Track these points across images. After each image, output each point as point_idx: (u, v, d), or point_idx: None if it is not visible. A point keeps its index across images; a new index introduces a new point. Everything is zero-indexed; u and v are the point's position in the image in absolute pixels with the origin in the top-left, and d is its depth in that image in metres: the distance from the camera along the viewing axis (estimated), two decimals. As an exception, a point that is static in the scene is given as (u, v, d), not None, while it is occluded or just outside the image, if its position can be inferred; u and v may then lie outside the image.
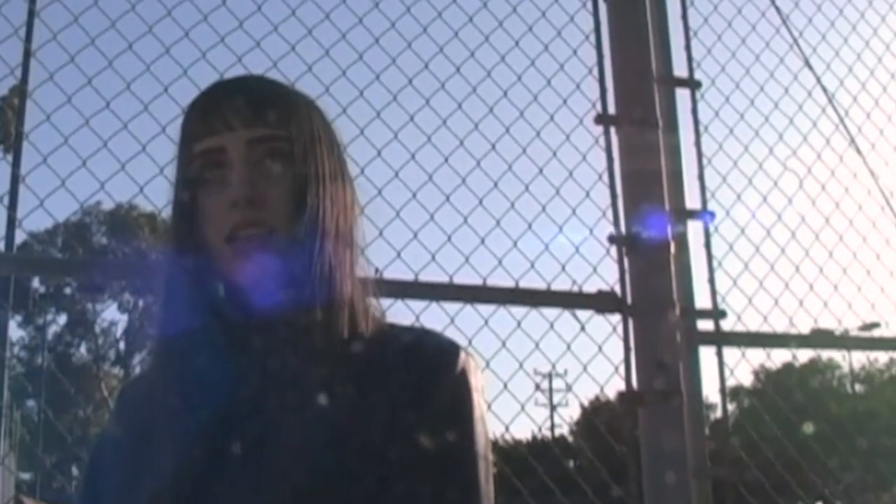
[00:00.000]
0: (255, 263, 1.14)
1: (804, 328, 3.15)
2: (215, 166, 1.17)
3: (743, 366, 3.17)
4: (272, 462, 1.10)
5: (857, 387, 33.95)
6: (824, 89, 3.33)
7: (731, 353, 3.06)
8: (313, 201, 1.17)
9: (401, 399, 1.13)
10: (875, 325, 3.65)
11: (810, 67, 3.33)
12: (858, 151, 3.34)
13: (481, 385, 1.20)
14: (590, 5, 3.00)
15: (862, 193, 3.34)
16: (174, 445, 1.13)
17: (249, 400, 1.14)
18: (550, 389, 35.71)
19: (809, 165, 3.23)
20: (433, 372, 1.16)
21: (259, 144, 1.17)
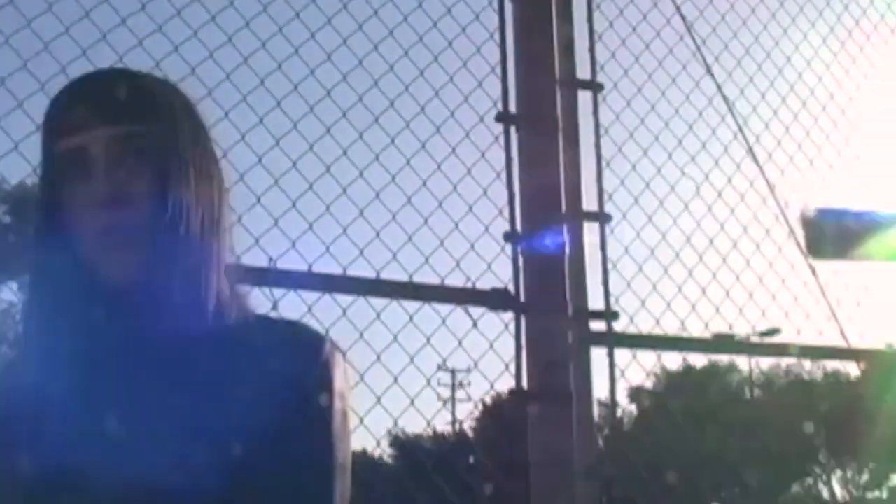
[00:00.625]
0: (121, 261, 1.18)
1: (702, 333, 3.27)
2: (79, 164, 1.19)
3: (639, 367, 3.28)
4: (135, 453, 1.13)
5: (756, 391, 34.81)
6: (725, 98, 3.47)
7: (627, 355, 3.18)
8: (178, 197, 1.20)
9: (263, 387, 1.18)
10: (775, 332, 3.79)
11: (712, 75, 3.46)
12: (755, 160, 3.48)
13: (346, 376, 1.25)
14: (496, 3, 3.07)
15: (757, 201, 3.48)
16: (47, 433, 1.16)
17: (117, 389, 1.17)
18: (453, 385, 36.06)
19: (707, 171, 3.35)
20: (296, 362, 1.22)
21: (122, 141, 1.19)
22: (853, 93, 3.93)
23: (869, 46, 4.07)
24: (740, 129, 3.46)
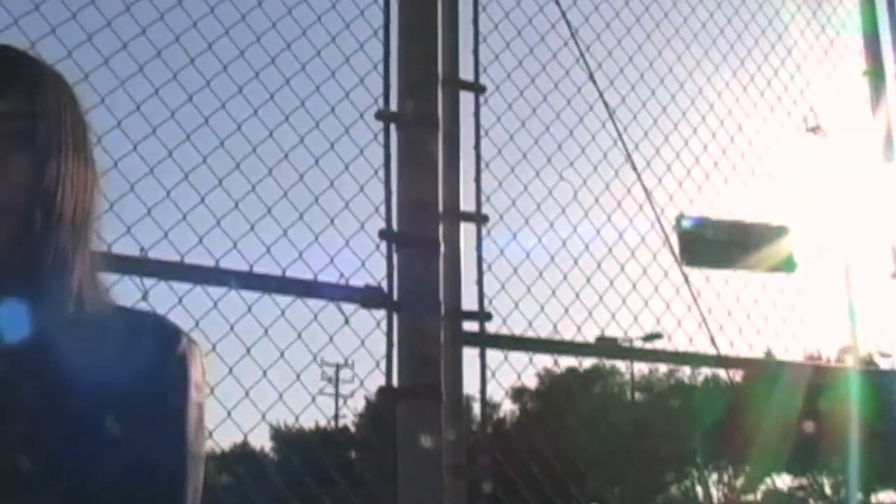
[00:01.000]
0: None
1: (586, 335, 3.37)
2: None
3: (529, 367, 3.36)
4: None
5: (637, 394, 35.61)
6: (606, 104, 3.57)
7: (512, 356, 3.25)
8: (52, 177, 1.21)
9: (118, 378, 1.21)
10: (657, 336, 3.91)
11: (594, 82, 3.55)
12: (634, 167, 3.59)
13: (202, 370, 1.29)
14: (381, 1, 3.11)
15: (634, 208, 3.59)
16: None
17: None
18: (336, 381, 36.26)
19: (586, 177, 3.45)
20: (153, 354, 1.25)
21: None
22: (732, 105, 4.07)
23: (749, 61, 4.23)
24: (620, 136, 3.57)
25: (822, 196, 4.55)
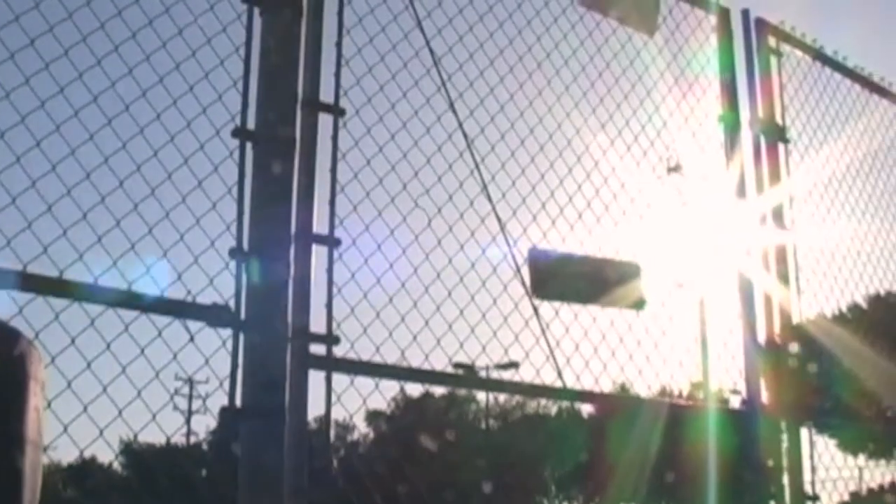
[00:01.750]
0: None
1: (437, 363, 3.48)
2: None
3: (368, 395, 3.44)
4: None
5: (492, 422, 36.13)
6: (465, 134, 3.70)
7: (365, 381, 3.34)
8: None
9: None
10: (513, 365, 4.05)
11: (454, 111, 3.68)
12: (489, 199, 3.73)
13: (41, 376, 1.35)
14: (244, 17, 3.18)
15: (488, 238, 3.73)
16: None
17: None
18: (190, 397, 36.00)
19: (441, 205, 3.57)
20: None
21: None
22: (590, 141, 4.26)
23: (609, 99, 4.43)
24: (477, 167, 3.71)
25: (677, 235, 4.79)
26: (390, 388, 3.62)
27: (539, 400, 31.65)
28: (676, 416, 4.49)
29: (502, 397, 36.57)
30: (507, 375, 4.21)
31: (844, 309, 6.00)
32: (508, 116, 3.94)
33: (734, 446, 4.64)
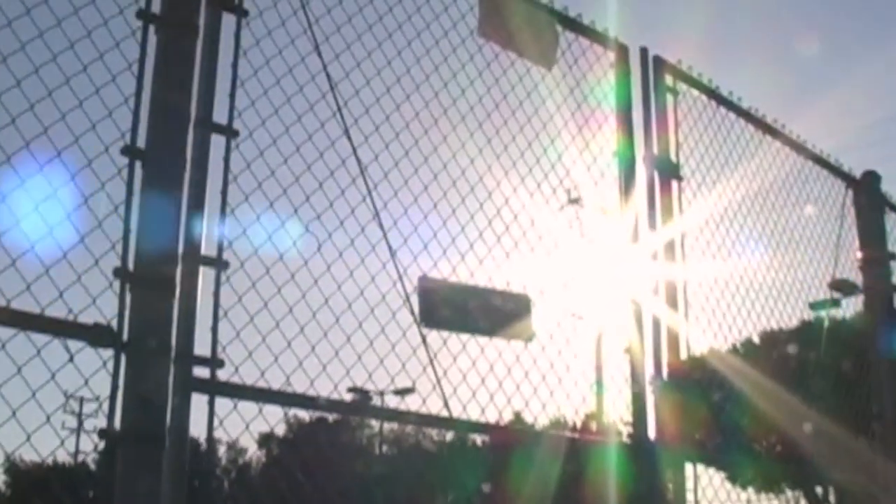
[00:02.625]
0: None
1: (323, 388, 3.53)
2: None
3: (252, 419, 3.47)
4: None
5: (386, 448, 36.19)
6: (358, 161, 3.77)
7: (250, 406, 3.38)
8: None
9: None
10: (409, 391, 4.10)
11: (349, 137, 3.75)
12: (381, 226, 3.81)
13: None
14: (140, 34, 3.21)
15: (378, 266, 3.80)
16: None
17: None
18: (80, 416, 35.62)
19: (332, 231, 3.63)
20: None
21: None
22: (484, 172, 4.36)
23: (505, 130, 4.54)
24: (369, 192, 3.78)
25: (575, 266, 4.92)
26: (278, 412, 3.66)
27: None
28: (567, 447, 4.60)
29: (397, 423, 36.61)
30: (406, 400, 4.26)
31: (738, 344, 6.22)
32: (403, 144, 4.03)
33: (620, 479, 4.76)
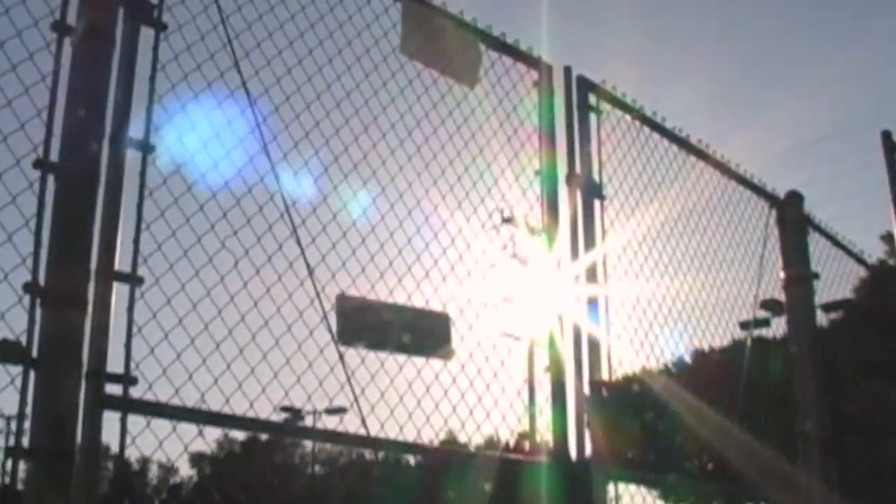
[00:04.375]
0: None
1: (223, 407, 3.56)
2: None
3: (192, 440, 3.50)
4: None
5: (318, 467, 36.14)
6: (276, 176, 3.82)
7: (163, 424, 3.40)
8: None
9: None
10: (341, 410, 4.14)
11: (268, 155, 3.80)
12: (299, 243, 3.86)
13: None
14: (53, 46, 3.24)
15: (296, 283, 3.85)
16: None
17: None
18: (7, 433, 35.26)
19: (248, 247, 3.68)
20: None
21: None
22: (405, 189, 4.43)
23: (427, 147, 4.61)
24: (287, 210, 3.83)
25: (499, 286, 4.99)
26: (210, 431, 3.68)
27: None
28: (497, 467, 4.67)
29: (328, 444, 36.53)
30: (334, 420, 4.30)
31: (670, 364, 6.34)
32: (323, 160, 4.08)
33: (549, 499, 4.84)
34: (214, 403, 3.53)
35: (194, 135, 3.63)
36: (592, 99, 5.58)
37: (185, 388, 3.41)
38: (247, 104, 3.82)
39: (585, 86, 5.54)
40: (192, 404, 3.46)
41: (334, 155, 4.12)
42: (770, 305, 7.22)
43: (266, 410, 3.77)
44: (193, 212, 3.54)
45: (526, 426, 4.97)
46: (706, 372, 6.83)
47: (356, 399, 4.00)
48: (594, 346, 5.10)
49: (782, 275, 7.17)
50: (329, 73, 4.18)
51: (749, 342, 6.81)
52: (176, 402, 3.40)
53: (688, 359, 6.74)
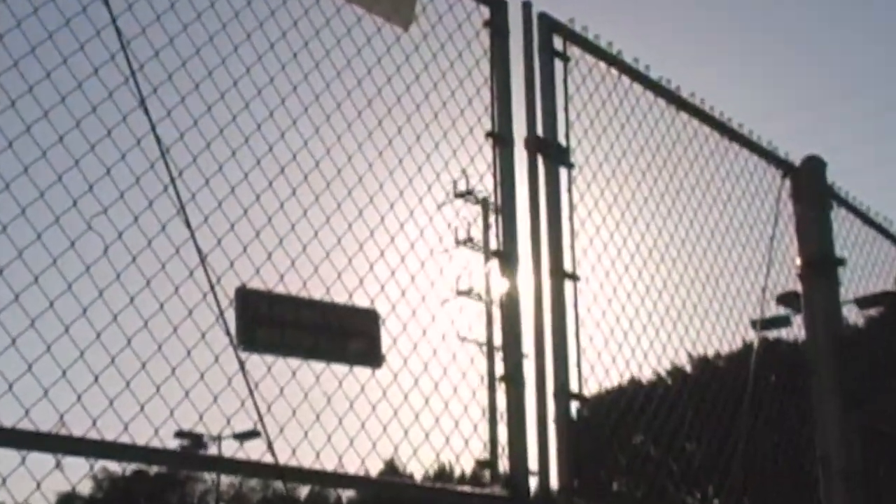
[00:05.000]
0: None
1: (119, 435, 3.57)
2: None
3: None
4: None
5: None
6: (153, 126, 3.84)
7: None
8: None
9: None
10: (255, 435, 4.14)
11: (146, 111, 3.82)
12: (188, 224, 3.88)
13: None
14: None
15: (183, 274, 3.87)
16: None
17: None
18: None
19: (122, 230, 3.70)
20: None
21: None
22: (321, 153, 4.45)
23: (349, 104, 4.63)
24: (172, 181, 3.85)
25: (438, 277, 4.98)
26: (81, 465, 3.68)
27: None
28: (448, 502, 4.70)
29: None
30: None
31: (663, 373, 6.34)
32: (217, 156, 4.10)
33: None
34: (78, 428, 3.54)
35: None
36: (558, 42, 5.56)
37: (40, 409, 3.42)
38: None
39: (549, 25, 5.51)
40: (48, 429, 3.46)
41: (230, 147, 4.13)
42: (789, 300, 7.20)
43: (162, 434, 3.79)
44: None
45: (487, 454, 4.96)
46: (710, 383, 6.88)
47: (261, 418, 4.01)
48: (559, 349, 5.10)
49: (798, 261, 7.16)
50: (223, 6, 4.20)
51: (756, 345, 6.81)
52: (26, 426, 3.41)
53: (688, 367, 6.77)
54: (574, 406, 5.21)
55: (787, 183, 7.30)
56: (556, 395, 5.10)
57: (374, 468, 4.48)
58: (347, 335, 4.37)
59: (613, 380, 5.61)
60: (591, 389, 5.30)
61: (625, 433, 5.99)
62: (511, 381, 4.99)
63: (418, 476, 5.06)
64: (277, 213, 4.24)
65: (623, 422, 5.85)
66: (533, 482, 4.98)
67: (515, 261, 5.12)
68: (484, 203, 5.40)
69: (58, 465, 3.47)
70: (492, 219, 5.18)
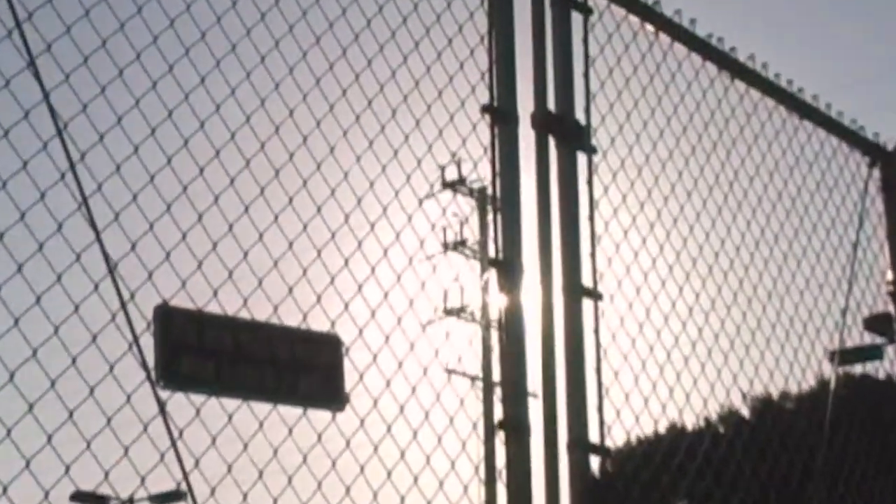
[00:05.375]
0: None
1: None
2: None
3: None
4: None
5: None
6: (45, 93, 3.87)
7: None
8: None
9: None
10: (178, 497, 4.15)
11: (42, 86, 3.85)
12: (92, 222, 3.89)
13: None
14: None
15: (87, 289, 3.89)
16: None
17: None
18: None
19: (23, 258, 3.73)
20: None
21: None
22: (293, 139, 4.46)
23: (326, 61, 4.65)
24: (72, 167, 3.87)
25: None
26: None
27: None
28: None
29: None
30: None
31: (712, 417, 6.31)
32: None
33: None
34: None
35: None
36: (576, -10, 5.53)
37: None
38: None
39: (564, -31, 5.49)
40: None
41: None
42: (878, 324, 7.15)
43: (53, 498, 3.77)
44: None
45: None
46: (773, 431, 6.89)
47: (185, 477, 4.01)
48: (575, 387, 5.08)
49: (890, 274, 7.14)
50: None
51: (834, 382, 6.81)
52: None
53: (745, 412, 6.77)
54: (594, 461, 5.18)
55: (876, 173, 7.26)
56: (571, 448, 5.06)
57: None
58: (301, 369, 4.34)
59: (646, 427, 5.59)
60: (616, 440, 5.27)
61: (661, 496, 5.99)
62: (513, 429, 4.95)
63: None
64: (210, 208, 4.22)
65: (658, 481, 5.84)
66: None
67: (520, 272, 5.06)
68: (480, 196, 5.41)
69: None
70: (489, 217, 5.17)
